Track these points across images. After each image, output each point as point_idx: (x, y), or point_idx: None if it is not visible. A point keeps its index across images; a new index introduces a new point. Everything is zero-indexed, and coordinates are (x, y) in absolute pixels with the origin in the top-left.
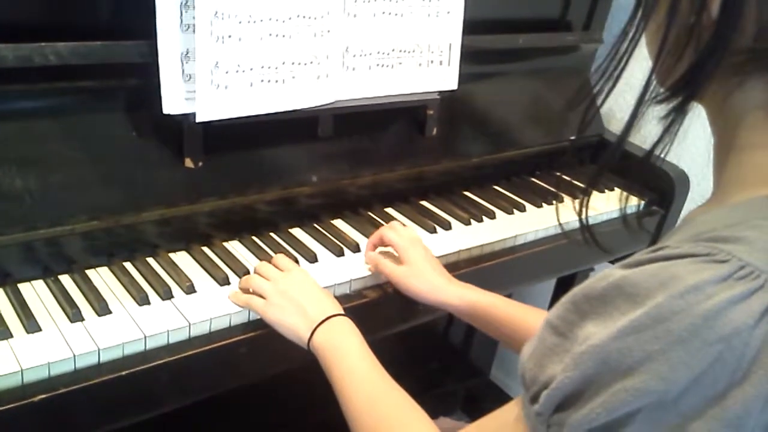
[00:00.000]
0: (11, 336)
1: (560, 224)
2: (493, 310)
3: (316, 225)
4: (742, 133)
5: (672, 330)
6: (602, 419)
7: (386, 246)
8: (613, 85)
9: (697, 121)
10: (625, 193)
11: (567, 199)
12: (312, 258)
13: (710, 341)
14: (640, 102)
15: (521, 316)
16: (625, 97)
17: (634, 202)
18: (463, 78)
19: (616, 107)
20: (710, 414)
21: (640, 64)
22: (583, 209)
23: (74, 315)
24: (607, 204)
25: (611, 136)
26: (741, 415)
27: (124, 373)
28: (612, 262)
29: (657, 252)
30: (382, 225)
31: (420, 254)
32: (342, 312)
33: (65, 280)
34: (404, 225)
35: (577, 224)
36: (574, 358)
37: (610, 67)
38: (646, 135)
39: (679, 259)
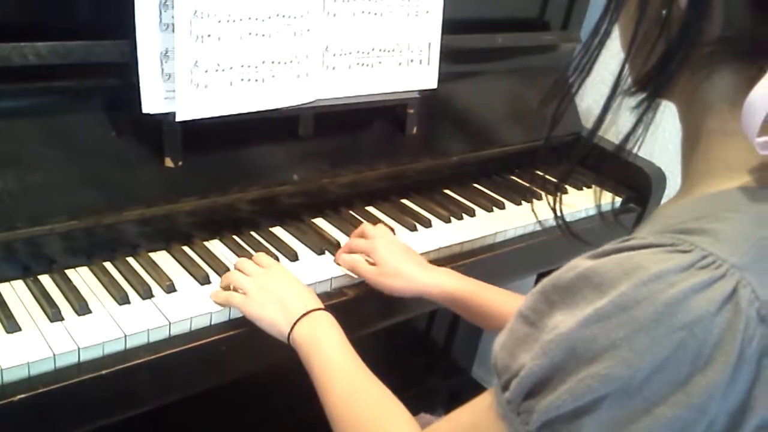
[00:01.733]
0: None
1: (539, 221)
2: (470, 296)
3: (297, 224)
4: (709, 122)
5: (636, 318)
6: (569, 406)
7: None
8: (583, 79)
9: (670, 117)
10: (601, 190)
11: (546, 196)
12: (293, 256)
13: (673, 328)
14: (613, 94)
15: (500, 302)
16: (604, 95)
17: (611, 199)
18: (442, 77)
19: (595, 106)
20: (674, 399)
21: (617, 61)
22: (557, 203)
23: (54, 315)
24: (586, 201)
25: (587, 131)
26: (704, 400)
27: (104, 372)
28: None
29: (623, 243)
30: (363, 223)
31: (388, 250)
32: (322, 306)
33: (45, 280)
34: (376, 224)
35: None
36: (542, 346)
37: (582, 62)
38: (621, 131)
39: (643, 249)
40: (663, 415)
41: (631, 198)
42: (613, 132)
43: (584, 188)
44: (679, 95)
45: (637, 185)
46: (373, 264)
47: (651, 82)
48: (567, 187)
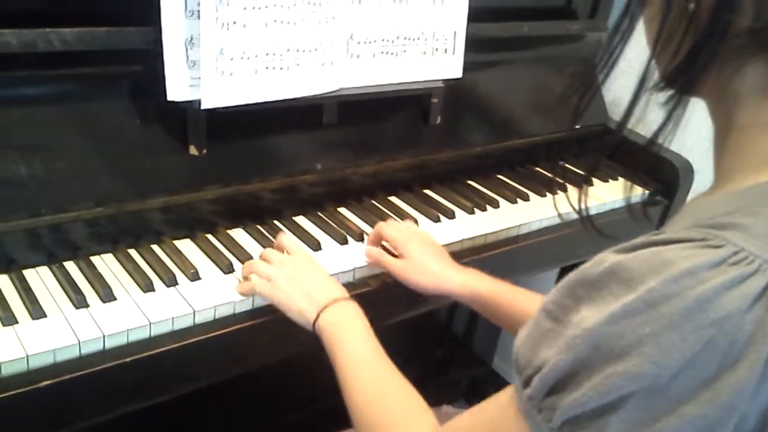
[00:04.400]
0: (17, 322)
1: (559, 214)
2: (496, 297)
3: (319, 213)
4: (741, 116)
5: (664, 314)
6: (594, 403)
7: (385, 241)
8: (606, 75)
9: (699, 110)
10: (629, 183)
11: (571, 188)
12: (316, 246)
13: (702, 325)
14: (639, 90)
15: (525, 304)
16: (632, 87)
17: (638, 192)
18: (467, 66)
19: (623, 97)
20: (702, 398)
21: (645, 50)
22: (581, 197)
23: (79, 301)
24: (612, 193)
25: (615, 125)
26: (733, 398)
27: (128, 359)
28: None
29: (652, 237)
30: (386, 213)
31: (417, 246)
32: (347, 296)
33: (70, 266)
34: (405, 218)
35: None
36: (567, 341)
37: (604, 58)
38: (650, 124)
39: (673, 244)
40: (690, 414)
41: (659, 191)
42: (642, 126)
43: (610, 180)
44: (709, 90)
45: (664, 178)
46: (397, 257)
47: (679, 77)
48: (593, 179)
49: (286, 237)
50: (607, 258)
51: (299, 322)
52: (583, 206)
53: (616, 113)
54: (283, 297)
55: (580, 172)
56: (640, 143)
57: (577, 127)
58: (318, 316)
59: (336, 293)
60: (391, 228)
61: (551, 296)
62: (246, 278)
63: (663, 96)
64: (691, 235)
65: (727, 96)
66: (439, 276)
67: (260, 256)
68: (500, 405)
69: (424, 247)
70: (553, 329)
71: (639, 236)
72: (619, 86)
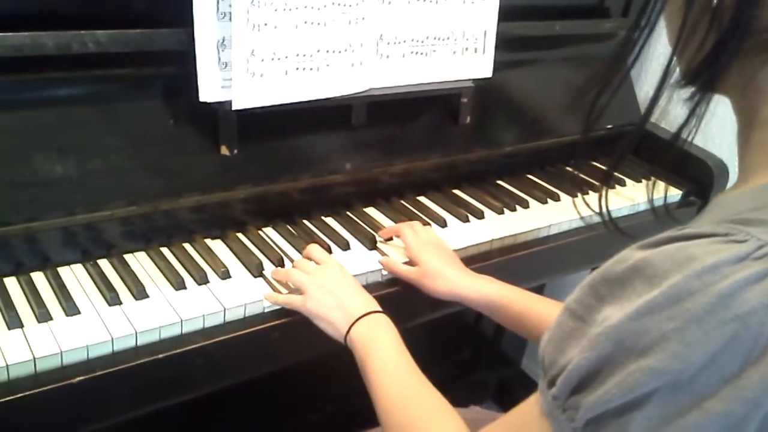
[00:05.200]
0: (51, 319)
1: (582, 217)
2: (510, 303)
3: (348, 213)
4: (766, 111)
5: (688, 309)
6: (618, 400)
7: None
8: (626, 73)
9: (724, 107)
10: (666, 185)
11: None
12: (344, 246)
13: (726, 320)
14: (660, 87)
15: (540, 310)
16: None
17: (671, 192)
18: (497, 65)
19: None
20: (726, 393)
21: (666, 49)
22: (602, 198)
23: (112, 298)
24: (644, 194)
25: (648, 125)
26: (758, 394)
27: (160, 356)
28: None
29: (676, 232)
30: (415, 213)
31: (431, 252)
32: (379, 309)
33: (104, 264)
34: (428, 226)
35: (612, 215)
36: (591, 339)
37: (623, 53)
38: (673, 123)
39: (697, 240)
40: (714, 410)
41: (692, 191)
42: (666, 123)
43: (643, 180)
44: (733, 86)
45: (698, 178)
46: (409, 263)
47: (702, 73)
48: (625, 179)
49: (316, 248)
50: (631, 255)
51: (330, 333)
52: (604, 208)
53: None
54: (314, 308)
55: (576, 173)
56: (666, 140)
57: (609, 126)
58: (350, 328)
59: (368, 305)
60: (408, 233)
61: (574, 295)
62: (278, 282)
63: (686, 92)
64: (716, 230)
65: (751, 91)
66: (453, 281)
67: (293, 265)
68: (527, 407)
69: (438, 254)
70: (577, 328)
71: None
72: (651, 85)
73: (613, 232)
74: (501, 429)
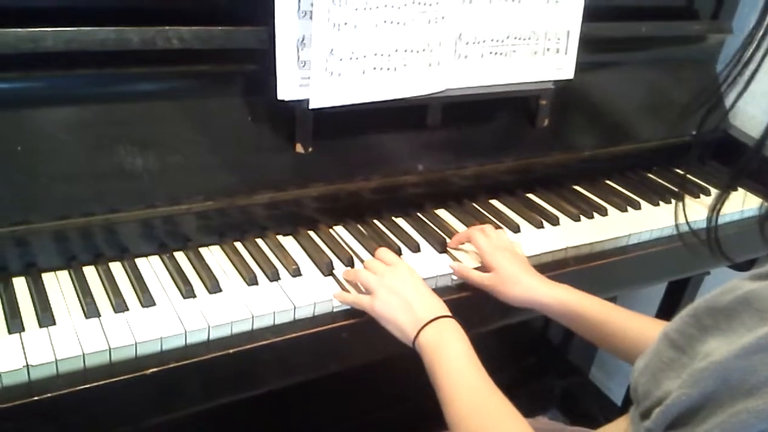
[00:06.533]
0: (127, 309)
1: (677, 225)
2: (587, 311)
3: (419, 214)
4: None
5: None
6: None
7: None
8: (743, 91)
9: None
10: (747, 194)
11: (688, 198)
12: (415, 248)
13: None
14: None
15: (619, 321)
16: (753, 92)
17: (756, 204)
18: (579, 67)
19: (741, 101)
20: None
21: None
22: (715, 215)
23: (187, 292)
24: (727, 205)
25: (736, 132)
26: None
27: (231, 351)
28: (731, 268)
29: None
30: (487, 217)
31: (506, 258)
32: (449, 313)
33: (180, 257)
34: (501, 230)
35: (696, 226)
36: (693, 374)
37: (736, 70)
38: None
39: None
40: None
41: None
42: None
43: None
44: None
45: None
46: (481, 268)
47: None
48: (710, 188)
49: (386, 251)
50: (740, 285)
51: (398, 336)
52: (713, 224)
53: (735, 118)
54: (384, 309)
55: (697, 180)
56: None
57: (694, 133)
58: (419, 333)
59: (437, 310)
60: (481, 237)
61: (675, 324)
62: (348, 282)
63: None
64: None
65: None
66: (530, 288)
67: (364, 266)
68: None
69: (512, 259)
70: (676, 359)
71: (753, 252)
72: (736, 91)
73: (714, 249)
74: None
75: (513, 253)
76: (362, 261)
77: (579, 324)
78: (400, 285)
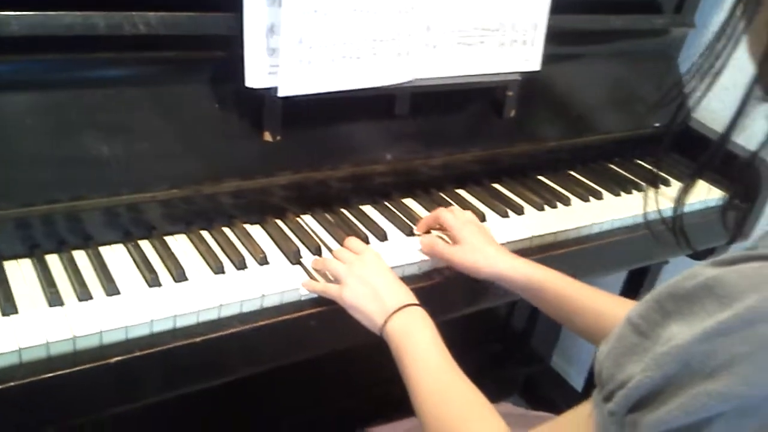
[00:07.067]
0: (92, 298)
1: (645, 214)
2: (550, 286)
3: (387, 203)
4: None
5: (761, 334)
6: (679, 422)
7: (438, 228)
8: (711, 84)
9: None
10: (707, 185)
11: (651, 189)
12: (382, 236)
13: None
14: (745, 102)
15: (579, 296)
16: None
17: (715, 195)
18: (545, 59)
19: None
20: None
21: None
22: (680, 202)
23: (152, 280)
24: (692, 195)
25: (697, 125)
26: None
27: (197, 339)
28: (690, 257)
29: (752, 252)
30: (453, 206)
31: (473, 231)
32: (416, 302)
33: (145, 245)
34: (466, 209)
35: (658, 216)
36: (656, 358)
37: (706, 64)
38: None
39: None
40: None
41: (738, 195)
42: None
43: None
44: None
45: (746, 182)
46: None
47: None
48: (670, 179)
49: (355, 239)
50: (702, 272)
51: (366, 325)
52: (677, 214)
53: (696, 110)
54: (352, 299)
55: (659, 171)
56: (736, 152)
57: (657, 125)
58: (386, 321)
59: (405, 298)
60: (448, 215)
61: (638, 309)
62: (317, 271)
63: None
64: None
65: None
66: (495, 260)
67: (332, 255)
68: (578, 419)
69: (478, 232)
70: (639, 344)
71: (713, 241)
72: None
73: (679, 239)
74: None
75: (479, 227)
76: (330, 250)
77: (542, 299)
78: (369, 274)
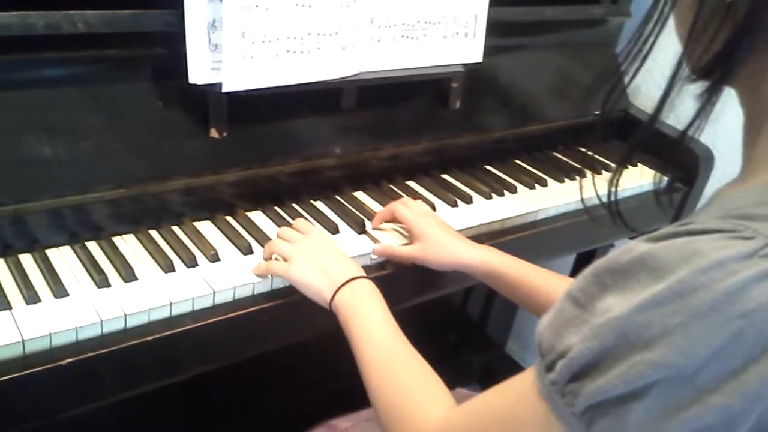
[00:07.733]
0: (40, 301)
1: (583, 200)
2: (507, 270)
3: (337, 197)
4: None
5: (693, 305)
6: (618, 390)
7: (393, 222)
8: (640, 66)
9: (728, 101)
10: (648, 169)
11: (590, 174)
12: (334, 230)
13: (731, 317)
14: (672, 82)
15: (544, 282)
16: (652, 72)
17: (657, 178)
18: (487, 51)
19: (641, 81)
20: (728, 388)
21: (667, 40)
22: (613, 185)
23: (101, 281)
24: (631, 180)
25: (636, 111)
26: (758, 389)
27: (150, 338)
28: (632, 239)
29: (682, 227)
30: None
31: (431, 224)
32: (364, 274)
33: (92, 246)
34: (419, 200)
35: (598, 200)
36: (593, 329)
37: (636, 48)
38: (678, 113)
39: (704, 235)
40: (714, 403)
41: (678, 177)
42: (672, 116)
43: (629, 166)
44: (743, 80)
45: (684, 165)
46: (407, 238)
47: (716, 69)
48: (611, 164)
49: (302, 221)
50: (636, 247)
51: (315, 300)
52: (612, 195)
53: (636, 98)
54: (299, 274)
55: (600, 158)
56: (667, 132)
57: (597, 113)
58: (335, 294)
59: (353, 271)
60: (403, 209)
61: (577, 283)
62: (267, 259)
63: (698, 87)
64: (722, 225)
65: (762, 85)
66: (456, 250)
67: (277, 235)
68: (520, 387)
69: (436, 224)
70: (578, 316)
71: (656, 223)
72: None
73: (616, 219)
74: (493, 404)
75: (436, 219)
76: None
77: (500, 283)
78: (316, 251)
